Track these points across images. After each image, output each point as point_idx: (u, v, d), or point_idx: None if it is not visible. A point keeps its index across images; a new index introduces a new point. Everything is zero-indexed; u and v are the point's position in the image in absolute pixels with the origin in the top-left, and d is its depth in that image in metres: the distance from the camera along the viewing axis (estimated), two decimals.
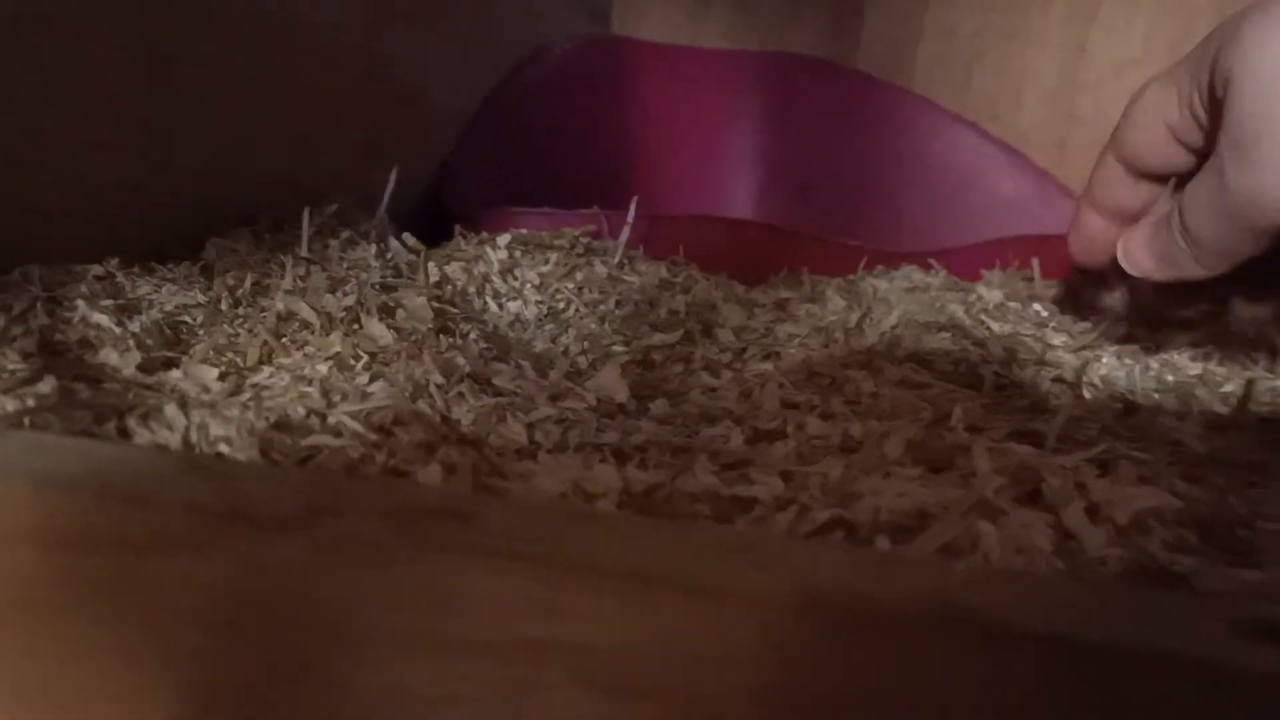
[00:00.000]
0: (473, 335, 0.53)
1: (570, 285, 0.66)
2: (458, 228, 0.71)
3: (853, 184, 1.06)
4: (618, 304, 0.65)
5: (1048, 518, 0.36)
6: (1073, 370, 0.61)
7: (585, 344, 0.59)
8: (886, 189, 1.06)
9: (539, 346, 0.58)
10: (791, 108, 1.08)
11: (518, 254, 0.68)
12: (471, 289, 0.62)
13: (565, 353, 0.58)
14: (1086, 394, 0.59)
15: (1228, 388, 0.65)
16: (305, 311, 0.47)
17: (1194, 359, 0.73)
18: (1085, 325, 0.75)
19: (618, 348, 0.60)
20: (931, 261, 0.81)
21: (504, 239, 0.68)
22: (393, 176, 0.67)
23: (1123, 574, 0.34)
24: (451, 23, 0.86)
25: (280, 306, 0.48)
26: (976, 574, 0.22)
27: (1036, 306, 0.78)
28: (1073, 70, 1.09)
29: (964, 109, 1.09)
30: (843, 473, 0.39)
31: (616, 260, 0.70)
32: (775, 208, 1.06)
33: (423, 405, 0.42)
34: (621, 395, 0.50)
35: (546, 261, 0.67)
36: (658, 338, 0.61)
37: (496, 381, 0.48)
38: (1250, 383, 0.60)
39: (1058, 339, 0.71)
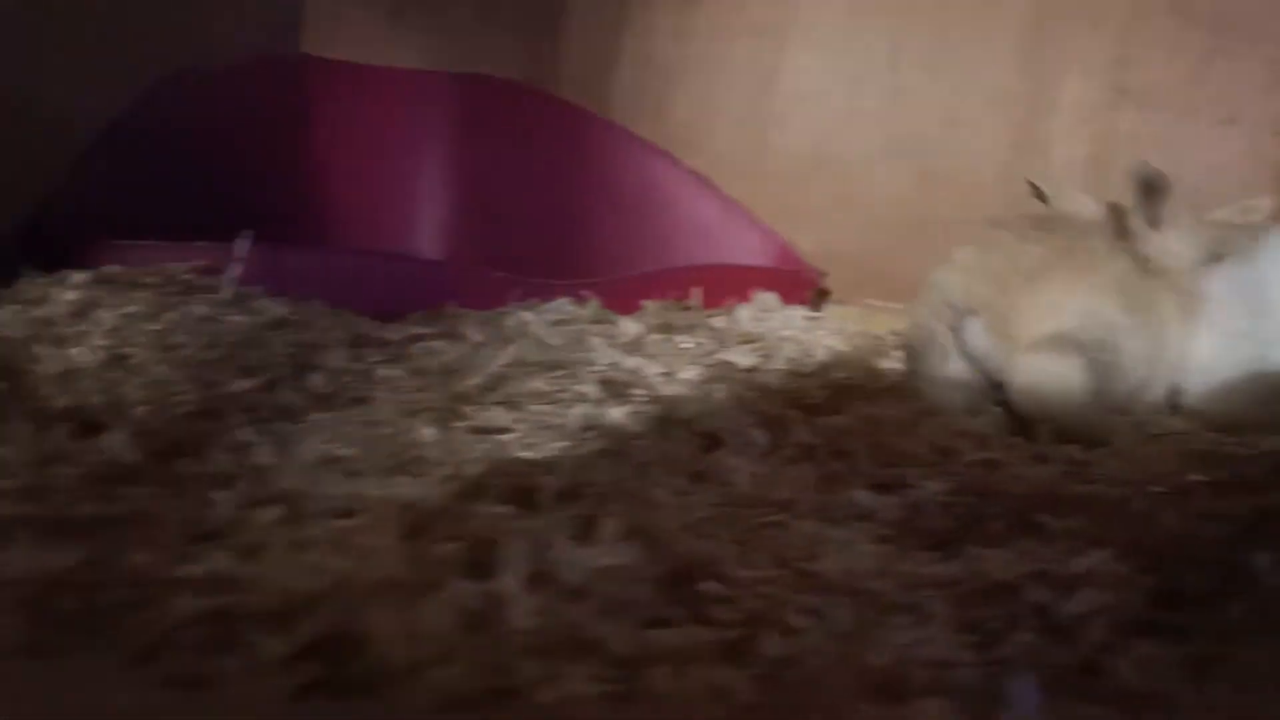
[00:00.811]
0: None
1: (155, 327, 0.61)
2: (22, 266, 0.65)
3: (546, 209, 1.05)
4: (209, 346, 0.61)
5: (490, 586, 0.35)
6: (666, 408, 0.61)
7: (148, 394, 0.55)
8: (579, 215, 1.05)
9: (80, 400, 0.53)
10: (486, 131, 1.06)
11: (101, 293, 0.62)
12: (25, 334, 0.57)
13: (117, 405, 0.53)
14: (681, 432, 0.59)
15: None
16: None
17: None
18: (721, 359, 0.76)
19: (186, 396, 0.55)
20: (585, 293, 0.80)
21: (81, 277, 0.63)
22: None
23: (537, 644, 0.33)
24: (79, 32, 0.80)
25: None
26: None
27: (681, 338, 0.79)
28: (762, 101, 1.12)
29: (660, 136, 1.10)
30: (288, 547, 0.36)
31: (225, 297, 0.66)
32: (467, 233, 1.04)
33: None
34: (130, 456, 0.46)
35: (134, 301, 0.63)
36: (238, 384, 0.57)
37: None
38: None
39: (691, 372, 0.72)
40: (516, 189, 1.06)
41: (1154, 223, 0.79)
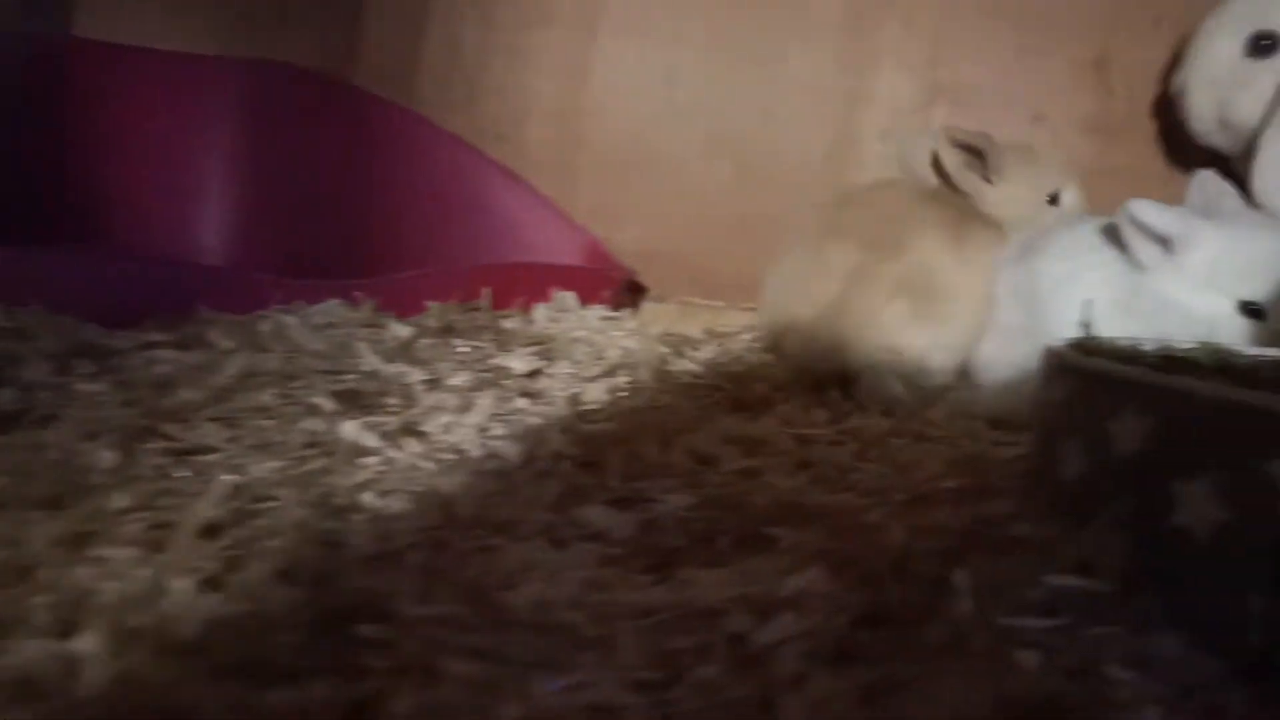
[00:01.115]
0: None
1: None
2: None
3: (344, 207, 0.99)
4: None
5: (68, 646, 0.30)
6: (409, 420, 0.57)
7: None
8: (380, 212, 1.00)
9: None
10: (277, 122, 1.00)
11: None
12: None
13: None
14: (419, 446, 0.55)
15: None
16: None
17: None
18: (497, 364, 0.72)
19: None
20: (358, 295, 0.75)
21: None
22: None
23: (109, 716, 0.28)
24: None
25: None
26: None
27: (460, 342, 0.74)
28: (575, 94, 1.08)
29: (470, 129, 1.06)
30: None
31: None
32: (256, 231, 0.98)
33: None
34: None
35: None
36: None
37: None
38: None
39: (459, 379, 0.67)
40: (312, 185, 0.99)
41: (988, 177, 0.80)
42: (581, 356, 0.77)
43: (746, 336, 0.95)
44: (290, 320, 0.70)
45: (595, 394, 0.70)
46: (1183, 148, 1.02)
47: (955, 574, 0.38)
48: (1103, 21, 1.07)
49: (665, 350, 0.83)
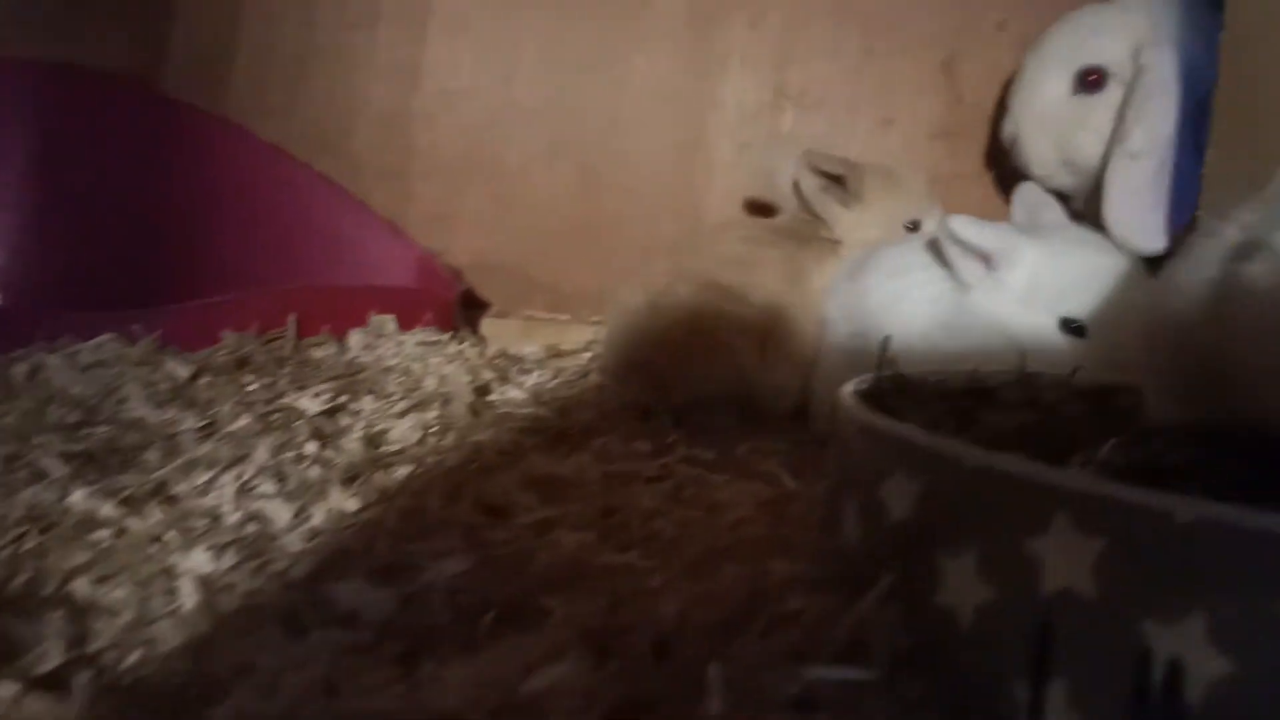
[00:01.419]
0: None
1: None
2: None
3: (145, 225, 0.91)
4: None
5: None
6: (158, 481, 0.51)
7: None
8: (186, 231, 0.92)
9: None
10: (68, 131, 0.91)
11: None
12: None
13: None
14: (163, 514, 0.49)
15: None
16: None
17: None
18: (285, 404, 0.66)
19: None
20: (136, 328, 0.68)
21: None
22: None
23: None
24: None
25: None
26: None
27: (251, 378, 0.68)
28: (405, 98, 1.02)
29: (290, 137, 0.98)
30: None
31: None
32: (43, 252, 0.89)
33: None
34: None
35: None
36: None
37: None
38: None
39: (241, 423, 0.61)
40: (111, 202, 0.91)
41: (846, 202, 0.78)
42: (394, 388, 0.72)
43: (588, 355, 0.91)
44: (52, 360, 0.63)
45: (400, 432, 0.65)
46: None
47: (711, 665, 0.34)
48: (949, 24, 1.06)
49: (490, 376, 0.79)
